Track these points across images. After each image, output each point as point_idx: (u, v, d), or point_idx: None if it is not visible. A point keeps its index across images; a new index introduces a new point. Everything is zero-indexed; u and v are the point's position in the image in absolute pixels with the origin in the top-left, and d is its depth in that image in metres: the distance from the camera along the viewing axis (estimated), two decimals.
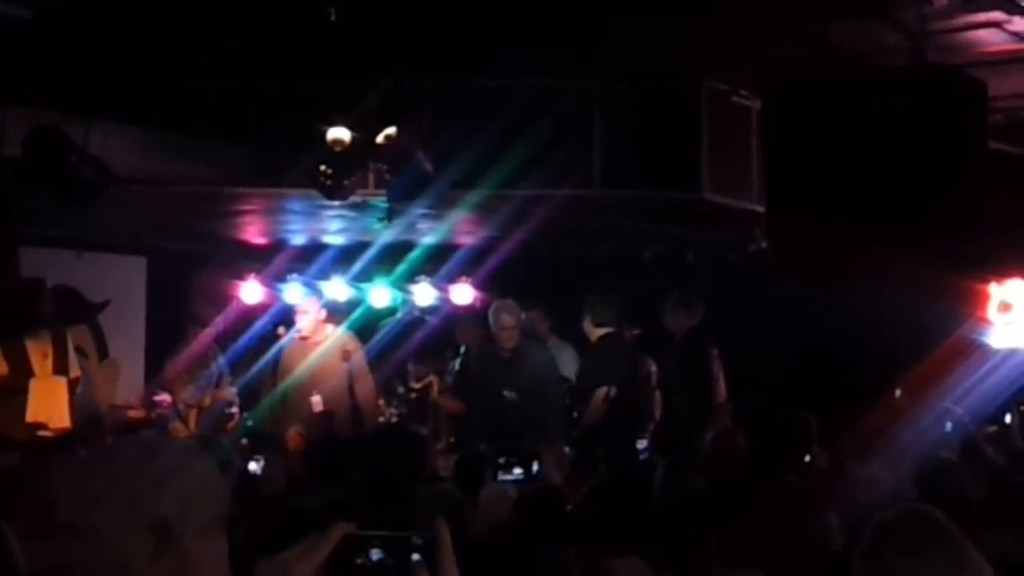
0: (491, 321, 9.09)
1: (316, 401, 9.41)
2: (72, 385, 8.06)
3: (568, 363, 9.88)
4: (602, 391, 9.05)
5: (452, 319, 10.88)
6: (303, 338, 9.81)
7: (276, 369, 9.81)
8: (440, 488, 4.92)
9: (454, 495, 4.52)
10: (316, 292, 10.65)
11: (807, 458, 6.52)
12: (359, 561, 1.61)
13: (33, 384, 7.74)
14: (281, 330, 10.25)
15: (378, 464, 5.20)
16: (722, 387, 9.07)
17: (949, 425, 7.69)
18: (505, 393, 8.92)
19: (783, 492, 5.27)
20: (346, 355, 9.73)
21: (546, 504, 3.98)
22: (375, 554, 1.61)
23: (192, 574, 1.97)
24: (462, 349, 10.37)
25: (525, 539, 3.82)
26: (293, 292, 10.45)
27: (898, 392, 8.10)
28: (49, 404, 7.69)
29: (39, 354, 7.87)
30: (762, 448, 6.54)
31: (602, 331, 9.38)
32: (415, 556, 1.61)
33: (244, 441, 8.76)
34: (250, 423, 9.22)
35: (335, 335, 9.91)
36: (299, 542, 1.66)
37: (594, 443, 7.88)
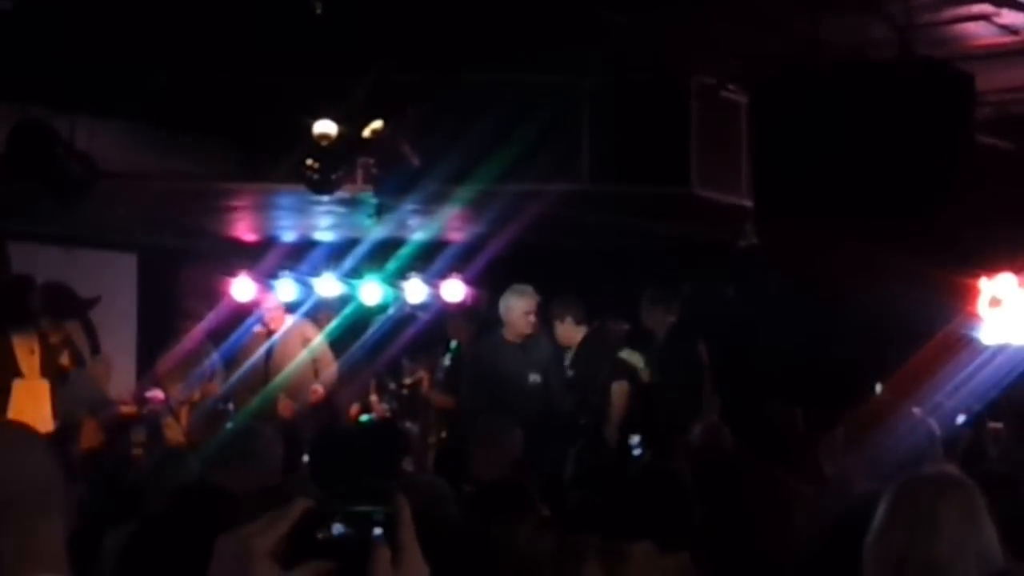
0: (506, 307, 8.73)
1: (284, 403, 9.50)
2: (61, 378, 8.04)
3: None
4: (624, 386, 9.00)
5: (443, 315, 10.89)
6: (269, 332, 9.89)
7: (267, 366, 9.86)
8: (421, 479, 4.95)
9: (436, 486, 4.53)
10: (307, 288, 10.67)
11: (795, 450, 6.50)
12: (320, 535, 1.60)
13: (16, 386, 7.70)
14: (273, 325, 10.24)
15: (354, 457, 5.22)
16: (708, 383, 9.04)
17: (944, 418, 7.68)
18: (531, 377, 8.84)
19: (766, 484, 5.27)
20: (306, 342, 9.80)
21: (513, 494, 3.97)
22: (336, 528, 1.60)
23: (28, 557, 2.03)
24: (453, 344, 10.38)
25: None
26: (285, 289, 10.48)
27: (879, 388, 8.06)
28: (31, 409, 7.65)
29: (26, 350, 7.84)
30: (748, 441, 6.53)
31: (584, 329, 9.32)
32: (376, 530, 1.60)
33: None
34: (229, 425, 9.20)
35: (293, 324, 10.00)
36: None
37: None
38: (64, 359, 8.19)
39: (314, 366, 9.88)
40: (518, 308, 8.70)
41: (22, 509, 2.04)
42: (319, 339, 10.03)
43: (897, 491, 3.17)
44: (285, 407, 9.50)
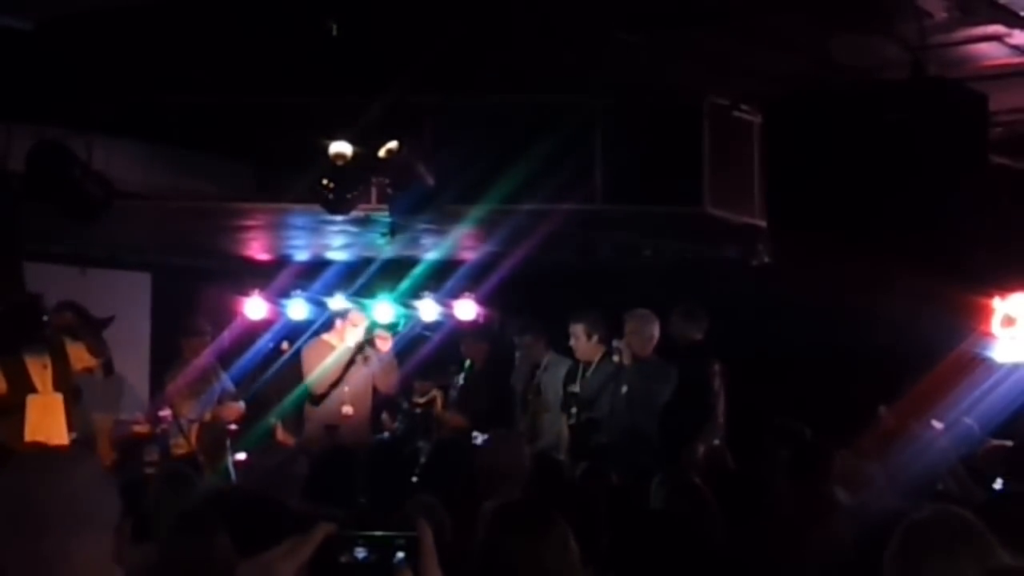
0: (641, 329, 9.15)
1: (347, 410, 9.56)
2: (73, 396, 8.06)
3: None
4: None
5: (456, 334, 10.90)
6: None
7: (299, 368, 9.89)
8: (421, 499, 4.98)
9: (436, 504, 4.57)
10: (321, 307, 10.68)
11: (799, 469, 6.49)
12: (343, 560, 1.61)
13: (31, 401, 7.73)
14: (285, 346, 10.27)
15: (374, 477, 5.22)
16: (722, 403, 9.03)
17: (957, 437, 7.66)
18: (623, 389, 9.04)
19: (772, 504, 5.30)
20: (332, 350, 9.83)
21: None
22: (359, 552, 1.61)
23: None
24: (467, 364, 10.41)
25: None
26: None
27: (882, 409, 8.01)
28: (47, 423, 7.68)
29: (39, 366, 7.87)
30: (754, 459, 6.54)
31: (602, 347, 9.39)
32: (399, 555, 1.62)
33: (241, 456, 8.78)
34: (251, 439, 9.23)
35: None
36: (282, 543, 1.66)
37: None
38: (82, 354, 8.21)
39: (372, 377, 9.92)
40: (653, 333, 9.21)
41: (55, 526, 2.09)
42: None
43: (904, 535, 3.18)
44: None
